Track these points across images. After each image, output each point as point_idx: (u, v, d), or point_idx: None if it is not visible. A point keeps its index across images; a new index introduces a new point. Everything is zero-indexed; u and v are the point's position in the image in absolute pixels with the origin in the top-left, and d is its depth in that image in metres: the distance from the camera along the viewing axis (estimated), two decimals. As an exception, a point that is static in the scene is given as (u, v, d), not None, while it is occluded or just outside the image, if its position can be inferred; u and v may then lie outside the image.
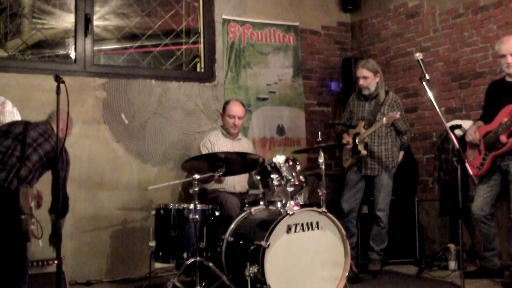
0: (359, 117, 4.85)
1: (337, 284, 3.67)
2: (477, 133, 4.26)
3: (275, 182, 3.81)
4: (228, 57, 5.59)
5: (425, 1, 5.60)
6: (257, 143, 5.63)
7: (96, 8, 5.09)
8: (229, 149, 4.66)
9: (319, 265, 3.62)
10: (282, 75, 5.91)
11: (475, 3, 5.10)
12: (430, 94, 3.43)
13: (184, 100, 5.31)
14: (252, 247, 3.50)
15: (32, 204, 3.34)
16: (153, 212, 4.07)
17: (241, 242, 3.70)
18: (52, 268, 3.80)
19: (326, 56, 6.30)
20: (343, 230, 3.69)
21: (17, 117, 4.38)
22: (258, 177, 3.98)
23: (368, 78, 4.75)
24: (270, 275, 3.39)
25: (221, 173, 3.94)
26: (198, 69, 5.60)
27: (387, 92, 4.83)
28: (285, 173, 3.81)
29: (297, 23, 6.04)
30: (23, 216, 3.18)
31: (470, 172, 3.35)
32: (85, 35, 4.89)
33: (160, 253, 3.95)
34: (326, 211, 3.66)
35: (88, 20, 4.88)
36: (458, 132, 4.77)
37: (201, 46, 5.56)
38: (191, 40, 5.60)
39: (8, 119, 4.33)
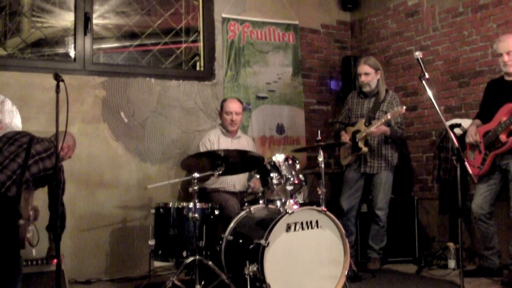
0: (358, 115, 4.85)
1: (337, 282, 3.67)
2: (477, 135, 4.26)
3: (275, 181, 3.81)
4: (227, 55, 5.59)
5: (425, -1, 5.61)
6: (256, 141, 5.62)
7: (96, 7, 5.09)
8: (228, 148, 4.66)
9: (318, 263, 3.62)
10: (282, 73, 5.91)
11: (474, 2, 5.10)
12: (429, 93, 3.42)
13: (183, 99, 5.30)
14: (251, 246, 3.50)
15: (31, 213, 3.36)
16: (153, 211, 4.07)
17: (240, 241, 3.70)
18: (52, 267, 3.80)
19: (326, 55, 6.30)
20: (342, 229, 3.69)
21: (17, 116, 4.39)
22: (257, 176, 3.98)
23: (369, 74, 4.75)
24: (270, 274, 3.39)
25: (220, 172, 3.94)
26: (197, 68, 5.60)
27: (386, 91, 4.83)
28: (284, 171, 3.81)
29: (296, 22, 6.04)
30: (21, 221, 3.19)
31: (470, 171, 3.35)
32: (85, 34, 4.88)
33: (160, 252, 3.96)
34: (325, 209, 3.66)
35: (87, 19, 4.88)
36: (457, 131, 4.77)
37: (201, 44, 5.56)
38: (191, 39, 5.60)
39: (7, 118, 4.33)
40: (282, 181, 3.79)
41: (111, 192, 4.87)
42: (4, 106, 4.40)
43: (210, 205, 4.07)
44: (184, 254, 3.86)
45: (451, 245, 4.78)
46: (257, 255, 3.40)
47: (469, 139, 4.31)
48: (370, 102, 4.82)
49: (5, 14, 5.17)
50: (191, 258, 3.70)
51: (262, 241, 3.39)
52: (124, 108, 5.01)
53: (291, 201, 3.65)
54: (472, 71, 5.12)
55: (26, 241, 3.27)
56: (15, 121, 4.43)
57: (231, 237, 3.78)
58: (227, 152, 3.99)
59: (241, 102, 4.86)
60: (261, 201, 4.00)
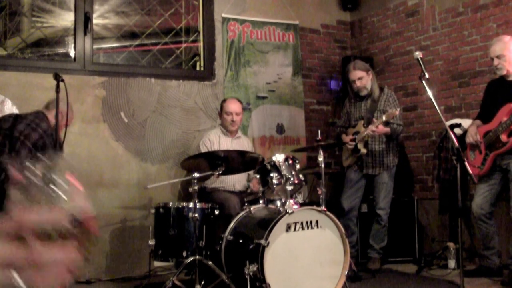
0: (357, 117, 4.86)
1: (337, 282, 3.67)
2: (477, 135, 4.26)
3: (275, 181, 3.81)
4: (227, 55, 5.59)
5: (425, -1, 5.61)
6: (256, 141, 5.63)
7: (96, 7, 5.09)
8: (228, 148, 4.66)
9: (318, 263, 3.62)
10: (282, 73, 5.91)
11: (474, 2, 5.10)
12: (429, 92, 3.43)
13: (183, 99, 5.30)
14: (251, 246, 3.50)
15: None
16: (153, 211, 4.07)
17: (240, 241, 3.70)
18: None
19: (326, 55, 6.30)
20: (342, 229, 3.69)
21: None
22: (257, 176, 3.98)
23: (363, 78, 4.76)
24: (270, 274, 3.39)
25: (220, 172, 3.94)
26: (197, 68, 5.60)
27: (382, 89, 4.84)
28: (284, 171, 3.81)
29: (296, 22, 6.04)
30: None
31: (470, 171, 3.35)
32: (85, 34, 4.88)
33: (160, 252, 3.96)
34: (325, 209, 3.65)
35: (87, 19, 4.88)
36: (457, 130, 4.77)
37: (201, 44, 5.56)
38: (191, 39, 5.60)
39: (7, 117, 4.32)
40: (282, 181, 3.79)
41: (111, 192, 4.87)
42: (4, 106, 4.39)
43: (210, 205, 4.07)
44: (184, 254, 3.87)
45: (451, 245, 4.77)
46: (257, 255, 3.40)
47: (469, 139, 4.31)
48: (367, 103, 4.82)
49: (5, 14, 5.17)
50: (191, 258, 3.71)
51: (262, 241, 3.39)
52: (124, 108, 5.01)
53: (291, 201, 3.65)
54: (472, 71, 5.12)
55: None
56: (15, 121, 4.42)
57: (231, 237, 3.78)
58: (227, 152, 4.00)
59: (241, 102, 4.86)
60: (261, 201, 4.00)
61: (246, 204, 4.08)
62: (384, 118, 4.48)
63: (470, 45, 5.14)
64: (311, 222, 3.61)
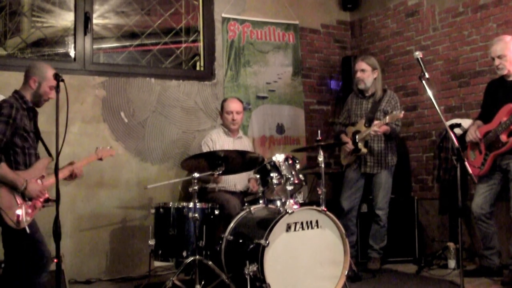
0: (358, 115, 4.85)
1: (337, 282, 3.67)
2: (477, 132, 4.26)
3: (275, 181, 3.81)
4: (227, 55, 5.59)
5: (425, -1, 5.61)
6: (256, 141, 5.63)
7: (96, 7, 5.09)
8: (230, 147, 4.66)
9: (318, 263, 3.62)
10: (282, 73, 5.91)
11: (474, 2, 5.10)
12: (429, 92, 3.42)
13: (183, 99, 5.30)
14: (251, 246, 3.50)
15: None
16: (153, 211, 4.07)
17: (240, 241, 3.70)
18: (52, 267, 3.80)
19: (326, 55, 6.30)
20: (342, 229, 3.69)
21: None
22: (257, 176, 3.98)
23: (365, 71, 4.76)
24: (270, 274, 3.39)
25: (220, 172, 3.94)
26: (197, 68, 5.60)
27: (385, 91, 4.84)
28: (284, 171, 3.81)
29: (296, 22, 6.04)
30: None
31: (470, 171, 3.35)
32: (85, 34, 4.88)
33: (160, 252, 3.96)
34: (325, 209, 3.66)
35: (87, 19, 4.88)
36: (457, 130, 4.77)
37: (201, 44, 5.56)
38: (191, 39, 5.60)
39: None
40: (282, 181, 3.79)
41: (111, 192, 4.87)
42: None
43: (210, 205, 4.07)
44: (184, 254, 3.87)
45: (451, 245, 4.78)
46: (257, 255, 3.40)
47: (469, 137, 4.31)
48: (369, 102, 4.82)
49: (5, 14, 5.18)
50: (191, 258, 3.71)
51: (262, 241, 3.39)
52: (124, 108, 5.01)
53: (291, 201, 3.65)
54: (472, 71, 5.12)
55: (16, 221, 3.20)
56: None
57: (231, 237, 3.78)
58: (227, 152, 4.00)
59: (241, 101, 4.86)
60: (261, 201, 4.00)
61: (246, 204, 4.08)
62: (387, 119, 4.48)
63: (470, 45, 5.14)
64: (311, 222, 3.61)
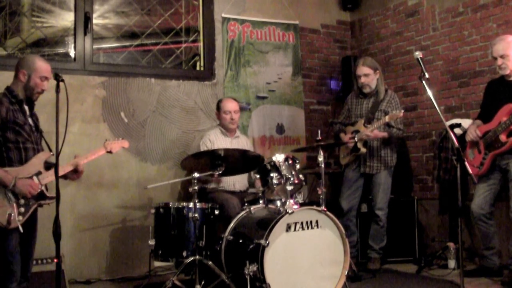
0: (358, 115, 4.85)
1: (337, 282, 3.67)
2: (477, 131, 4.26)
3: (275, 181, 3.81)
4: (227, 55, 5.59)
5: (425, -1, 5.61)
6: (256, 141, 5.63)
7: (96, 7, 5.09)
8: (228, 147, 4.66)
9: (318, 263, 3.62)
10: (282, 73, 5.91)
11: (474, 2, 5.10)
12: (429, 92, 3.42)
13: (183, 99, 5.30)
14: (251, 246, 3.50)
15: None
16: (153, 211, 4.07)
17: (240, 241, 3.70)
18: (52, 267, 3.80)
19: (326, 55, 6.30)
20: (342, 229, 3.69)
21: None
22: (257, 176, 3.98)
23: (369, 75, 4.75)
24: (270, 274, 3.39)
25: (220, 172, 3.94)
26: (197, 68, 5.60)
27: (386, 90, 4.83)
28: (284, 171, 3.81)
29: (296, 22, 6.04)
30: None
31: (470, 171, 3.35)
32: (85, 34, 4.88)
33: (160, 252, 3.96)
34: (325, 209, 3.66)
35: (87, 19, 4.88)
36: (457, 130, 4.77)
37: (201, 44, 5.56)
38: (191, 39, 5.60)
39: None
40: (282, 181, 3.79)
41: (111, 192, 4.87)
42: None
43: (210, 205, 4.08)
44: (184, 254, 3.87)
45: (451, 245, 4.78)
46: (257, 255, 3.40)
47: (469, 136, 4.30)
48: (369, 102, 4.82)
49: (5, 14, 5.17)
50: (191, 258, 3.71)
51: (262, 241, 3.39)
52: (124, 108, 5.01)
53: (291, 201, 3.65)
54: (472, 71, 5.12)
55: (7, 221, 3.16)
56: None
57: (231, 237, 3.78)
58: (227, 151, 3.99)
59: (237, 101, 4.88)
60: (261, 201, 4.00)
61: (246, 204, 4.08)
62: (387, 119, 4.48)
63: (470, 45, 5.14)
64: (311, 222, 3.62)
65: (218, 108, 4.82)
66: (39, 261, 3.92)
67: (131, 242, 4.90)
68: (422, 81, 3.44)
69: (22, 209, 3.23)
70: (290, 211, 3.50)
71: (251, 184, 4.81)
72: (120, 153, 4.93)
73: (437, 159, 5.21)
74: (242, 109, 5.25)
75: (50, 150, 3.44)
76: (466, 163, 3.33)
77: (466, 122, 4.78)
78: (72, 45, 4.94)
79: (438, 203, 5.32)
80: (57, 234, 2.96)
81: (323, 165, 3.92)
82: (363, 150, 4.70)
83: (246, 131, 5.54)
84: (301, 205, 3.72)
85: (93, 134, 4.84)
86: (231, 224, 3.85)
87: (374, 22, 6.21)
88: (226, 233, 3.81)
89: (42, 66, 3.43)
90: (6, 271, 3.24)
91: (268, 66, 5.82)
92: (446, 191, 5.17)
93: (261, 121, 5.73)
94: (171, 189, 5.10)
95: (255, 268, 3.39)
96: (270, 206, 3.92)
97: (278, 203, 3.86)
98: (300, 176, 3.88)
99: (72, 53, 4.97)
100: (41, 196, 3.33)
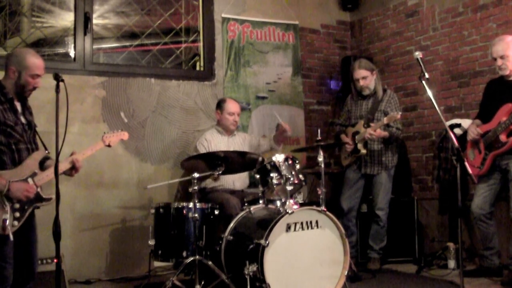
0: (357, 116, 4.85)
1: (337, 282, 3.67)
2: (478, 129, 4.25)
3: (275, 181, 3.80)
4: (227, 55, 5.59)
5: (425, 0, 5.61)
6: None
7: (96, 7, 5.09)
8: (225, 146, 4.67)
9: (318, 264, 3.62)
10: (282, 73, 5.91)
11: (474, 2, 5.10)
12: (429, 93, 3.42)
13: (183, 99, 5.31)
14: (251, 246, 3.50)
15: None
16: (153, 211, 4.07)
17: (240, 241, 3.70)
18: (51, 267, 3.80)
19: (326, 55, 6.30)
20: (342, 229, 3.69)
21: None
22: (258, 176, 3.98)
23: (367, 77, 4.75)
24: (270, 274, 3.39)
25: (220, 172, 3.94)
26: (197, 68, 5.60)
27: (385, 90, 4.84)
28: (284, 171, 3.80)
29: (296, 22, 6.04)
30: None
31: (469, 171, 3.35)
32: (85, 34, 4.88)
33: (160, 252, 3.96)
34: (325, 209, 3.65)
35: (87, 19, 4.88)
36: (457, 131, 4.77)
37: (201, 44, 5.56)
38: (191, 39, 5.60)
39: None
40: (282, 181, 3.78)
41: (111, 192, 4.87)
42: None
43: (210, 205, 4.07)
44: (184, 254, 3.87)
45: (451, 245, 4.78)
46: (257, 255, 3.40)
47: (470, 136, 4.30)
48: (369, 102, 4.82)
49: (5, 14, 5.17)
50: (191, 258, 3.71)
51: (262, 241, 3.39)
52: (124, 108, 5.01)
53: (291, 201, 3.64)
54: (472, 71, 5.12)
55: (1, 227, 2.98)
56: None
57: (231, 237, 3.78)
58: (227, 153, 4.00)
59: (238, 102, 4.89)
60: (261, 201, 4.00)
61: (246, 204, 4.08)
62: (385, 121, 4.48)
63: (470, 45, 5.14)
64: (311, 222, 3.61)
65: (221, 108, 4.78)
66: (39, 261, 3.91)
67: (131, 242, 4.90)
68: (422, 81, 3.43)
69: (18, 214, 3.08)
70: (290, 211, 3.50)
71: (253, 184, 4.80)
72: (120, 153, 4.94)
73: (437, 159, 5.22)
74: (242, 109, 5.25)
75: (45, 148, 3.31)
76: (466, 163, 3.33)
77: (466, 122, 4.78)
78: (72, 45, 4.94)
79: (438, 203, 5.32)
80: (57, 234, 2.94)
81: (323, 165, 3.92)
82: (364, 151, 4.70)
83: (246, 131, 5.54)
84: (301, 205, 3.72)
85: (93, 134, 4.83)
86: (231, 224, 3.85)
87: (374, 22, 6.21)
88: (226, 233, 3.81)
89: (33, 63, 3.21)
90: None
91: (268, 66, 5.82)
92: (446, 191, 5.17)
93: (261, 121, 5.73)
94: (171, 189, 5.10)
95: (255, 268, 3.39)
96: (270, 206, 3.92)
97: (278, 203, 3.86)
98: (300, 176, 3.88)
99: (72, 53, 4.97)
100: (37, 198, 3.18)
